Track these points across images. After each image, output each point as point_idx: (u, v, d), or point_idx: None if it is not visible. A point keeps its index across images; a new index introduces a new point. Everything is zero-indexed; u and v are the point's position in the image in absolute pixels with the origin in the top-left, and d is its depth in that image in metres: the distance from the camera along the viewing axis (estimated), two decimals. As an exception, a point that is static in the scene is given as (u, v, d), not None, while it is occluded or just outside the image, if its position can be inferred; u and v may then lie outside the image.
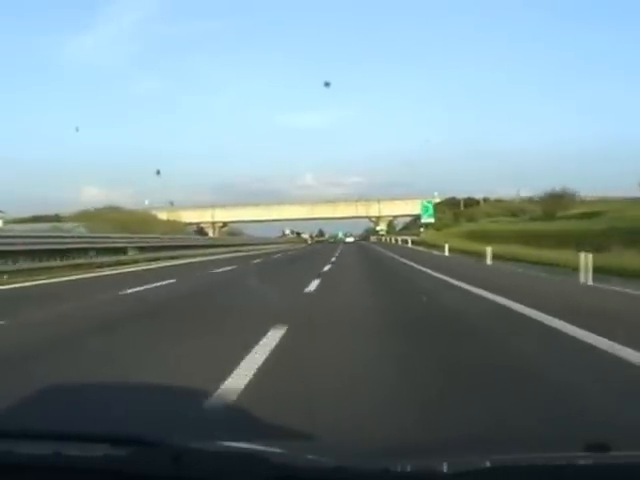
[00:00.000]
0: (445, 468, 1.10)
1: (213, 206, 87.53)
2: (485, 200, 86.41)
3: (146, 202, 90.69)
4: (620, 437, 1.70)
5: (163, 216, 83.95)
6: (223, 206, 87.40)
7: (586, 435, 1.60)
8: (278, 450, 1.25)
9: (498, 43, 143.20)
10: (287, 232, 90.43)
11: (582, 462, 1.18)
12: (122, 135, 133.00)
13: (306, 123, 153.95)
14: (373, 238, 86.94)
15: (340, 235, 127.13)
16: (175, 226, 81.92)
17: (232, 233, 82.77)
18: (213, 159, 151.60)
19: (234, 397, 3.45)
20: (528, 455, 1.26)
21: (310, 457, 1.20)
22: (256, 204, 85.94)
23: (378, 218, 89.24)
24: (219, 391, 3.58)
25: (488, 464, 1.12)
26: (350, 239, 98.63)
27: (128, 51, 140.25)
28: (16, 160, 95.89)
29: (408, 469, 1.13)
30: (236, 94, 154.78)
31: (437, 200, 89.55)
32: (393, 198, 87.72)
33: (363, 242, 78.99)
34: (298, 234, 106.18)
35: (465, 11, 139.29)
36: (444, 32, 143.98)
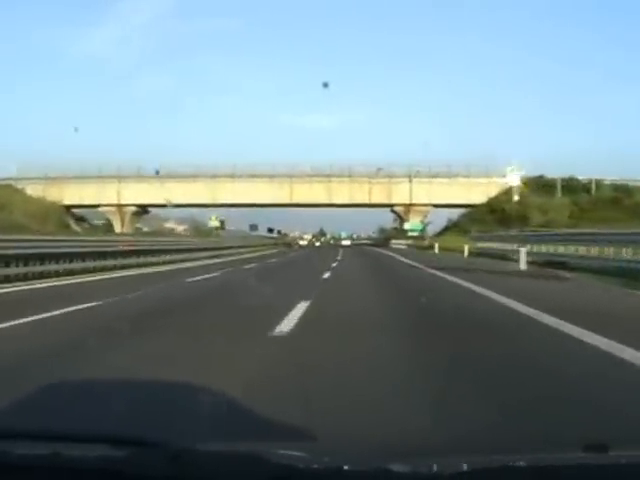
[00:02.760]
0: (445, 468, 1.15)
1: (120, 178, 49.91)
2: (597, 183, 50.05)
3: (13, 169, 54.70)
4: (619, 437, 1.89)
5: (38, 192, 51.05)
6: (138, 179, 49.71)
7: (586, 435, 1.68)
8: (278, 450, 1.29)
9: (501, 48, 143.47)
10: (215, 223, 51.91)
11: (582, 462, 1.23)
12: (127, 131, 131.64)
13: (312, 124, 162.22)
14: (399, 244, 48.58)
15: (343, 236, 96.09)
16: (40, 211, 47.16)
17: (200, 232, 48.15)
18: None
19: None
20: (528, 455, 1.30)
21: (310, 457, 1.25)
22: (194, 177, 48.30)
23: (408, 208, 50.82)
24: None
25: (488, 464, 1.18)
26: (347, 242, 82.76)
27: (136, 48, 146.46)
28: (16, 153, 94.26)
29: (408, 469, 1.17)
30: (243, 94, 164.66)
31: (516, 181, 51.49)
32: (434, 175, 49.88)
33: (377, 250, 41.30)
34: (274, 231, 69.00)
35: (469, 18, 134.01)
36: (448, 38, 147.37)
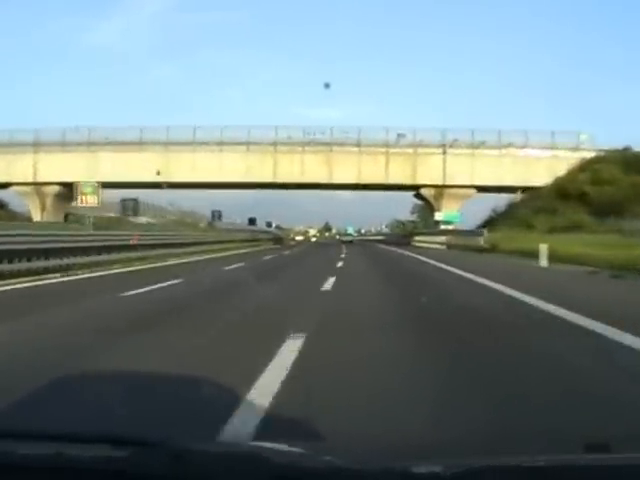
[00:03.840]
0: (446, 469, 1.16)
1: (37, 146, 34.52)
2: None
3: None
4: (621, 438, 1.89)
5: None
6: (63, 148, 34.24)
7: (587, 436, 1.56)
8: (279, 450, 1.32)
9: (503, 43, 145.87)
10: (89, 199, 34.56)
11: (583, 463, 1.24)
12: (137, 123, 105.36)
13: (318, 116, 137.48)
14: (431, 242, 32.67)
15: (349, 231, 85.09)
16: None
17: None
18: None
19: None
20: (528, 456, 1.31)
21: (311, 457, 1.27)
22: (140, 145, 32.52)
23: (441, 191, 34.81)
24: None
25: (488, 465, 1.19)
26: (348, 237, 74.95)
27: (146, 40, 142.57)
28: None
29: (408, 469, 1.18)
30: (253, 87, 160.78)
31: (588, 153, 35.04)
32: (478, 146, 33.86)
33: (408, 256, 24.85)
34: (255, 222, 54.00)
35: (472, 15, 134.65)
36: (451, 35, 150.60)
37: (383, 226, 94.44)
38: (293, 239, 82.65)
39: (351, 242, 63.60)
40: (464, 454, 1.35)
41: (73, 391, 3.76)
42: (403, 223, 62.42)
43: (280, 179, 37.98)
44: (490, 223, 42.44)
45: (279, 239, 61.96)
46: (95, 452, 1.22)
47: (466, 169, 38.04)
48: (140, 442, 1.24)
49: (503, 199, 44.06)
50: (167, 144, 38.26)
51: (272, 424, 2.97)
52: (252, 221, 55.32)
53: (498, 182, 38.09)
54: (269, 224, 71.35)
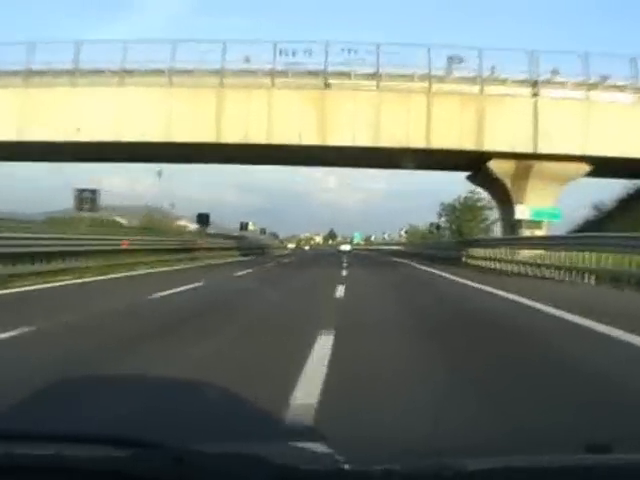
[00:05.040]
0: (447, 469, 1.17)
1: None
2: None
3: None
4: (622, 438, 1.90)
5: None
6: None
7: (588, 436, 1.55)
8: (280, 451, 1.34)
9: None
10: None
11: (583, 463, 1.25)
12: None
13: None
14: (510, 260, 12.79)
15: (356, 239, 72.47)
16: None
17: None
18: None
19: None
20: (530, 456, 1.34)
21: (312, 458, 1.29)
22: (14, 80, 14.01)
23: (527, 167, 14.98)
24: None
25: (489, 465, 1.21)
26: (346, 247, 68.05)
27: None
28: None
29: (409, 470, 1.21)
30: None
31: None
32: (594, 85, 13.48)
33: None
34: (206, 222, 35.97)
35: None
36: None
37: (402, 232, 77.21)
38: (285, 247, 75.01)
39: (350, 252, 55.17)
40: (466, 455, 1.33)
41: (72, 392, 3.72)
42: (438, 227, 44.87)
43: (228, 139, 20.66)
44: (596, 227, 25.15)
45: (257, 248, 45.12)
46: (96, 453, 1.22)
47: (574, 127, 20.81)
48: (141, 443, 1.23)
49: (598, 186, 27.07)
50: (28, 75, 21.32)
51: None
52: (202, 218, 37.15)
53: (630, 153, 20.89)
54: (244, 226, 54.16)
